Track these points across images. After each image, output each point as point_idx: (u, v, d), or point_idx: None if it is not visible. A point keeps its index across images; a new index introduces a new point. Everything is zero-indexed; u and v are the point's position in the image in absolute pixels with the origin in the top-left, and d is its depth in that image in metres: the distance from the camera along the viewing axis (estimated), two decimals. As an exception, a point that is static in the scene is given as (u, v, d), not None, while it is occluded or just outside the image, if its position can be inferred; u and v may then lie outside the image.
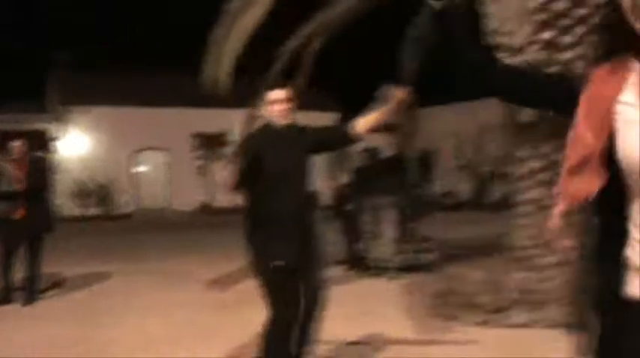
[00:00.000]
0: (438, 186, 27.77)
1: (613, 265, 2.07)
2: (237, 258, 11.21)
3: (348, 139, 4.85)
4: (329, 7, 9.15)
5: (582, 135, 2.04)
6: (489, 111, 19.19)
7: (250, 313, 7.39)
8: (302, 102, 10.49)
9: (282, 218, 4.50)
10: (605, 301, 2.31)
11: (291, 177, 4.60)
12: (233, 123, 28.07)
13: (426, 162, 28.63)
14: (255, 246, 4.55)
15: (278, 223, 4.48)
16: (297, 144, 4.70)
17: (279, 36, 9.01)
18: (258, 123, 4.78)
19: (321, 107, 28.11)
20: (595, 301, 2.44)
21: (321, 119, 28.12)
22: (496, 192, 24.59)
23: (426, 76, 11.42)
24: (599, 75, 2.04)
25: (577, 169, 2.08)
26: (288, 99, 4.73)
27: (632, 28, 1.92)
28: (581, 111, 2.05)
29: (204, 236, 17.80)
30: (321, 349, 5.99)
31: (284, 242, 4.44)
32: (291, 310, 4.54)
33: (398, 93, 4.57)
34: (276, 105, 4.67)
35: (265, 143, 4.62)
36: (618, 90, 1.95)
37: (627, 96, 1.93)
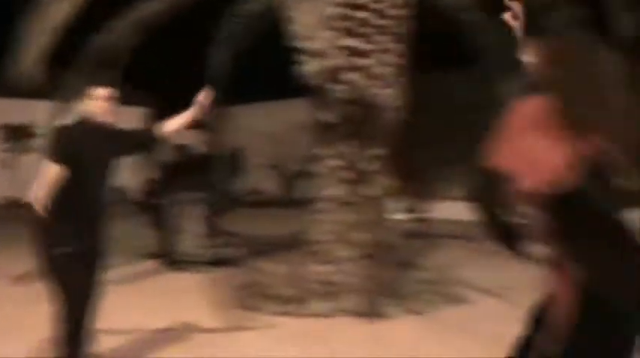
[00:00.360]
0: (247, 183, 28.20)
1: None
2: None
3: (155, 142, 5.05)
4: (142, 4, 9.20)
5: None
6: (298, 110, 19.83)
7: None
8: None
9: (80, 211, 4.57)
10: None
11: (97, 174, 4.69)
12: (40, 114, 27.12)
13: (236, 159, 29.04)
14: (47, 236, 4.55)
15: (74, 215, 4.55)
16: (110, 143, 4.79)
17: (90, 30, 8.97)
18: (72, 117, 4.79)
19: (132, 102, 27.68)
20: None
21: (131, 113, 27.79)
22: (303, 189, 25.30)
23: (236, 76, 11.71)
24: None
25: None
26: (112, 98, 4.80)
27: None
28: None
29: (9, 231, 17.08)
30: (125, 339, 6.10)
31: (73, 230, 4.52)
32: (82, 299, 4.62)
33: (205, 95, 4.85)
34: (100, 102, 4.73)
35: (81, 138, 4.64)
36: None
37: None
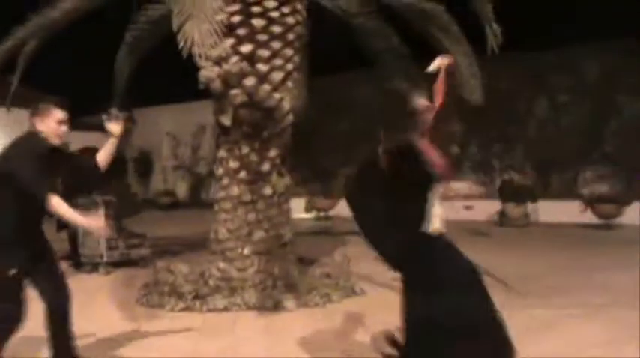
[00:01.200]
0: (156, 185, 28.13)
1: None
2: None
3: (95, 172, 5.27)
4: (46, 10, 9.29)
5: None
6: (204, 112, 19.98)
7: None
8: (20, 100, 10.56)
9: (19, 230, 4.75)
10: None
11: (37, 195, 4.65)
12: None
13: (144, 161, 28.91)
14: None
15: (15, 233, 4.73)
16: (59, 165, 4.97)
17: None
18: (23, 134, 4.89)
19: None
20: None
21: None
22: (211, 191, 25.42)
23: (141, 79, 11.86)
24: None
25: None
26: (68, 121, 4.91)
27: None
28: None
29: None
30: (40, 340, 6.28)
31: (17, 250, 4.73)
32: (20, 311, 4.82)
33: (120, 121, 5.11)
34: (60, 124, 4.85)
35: (33, 156, 4.69)
36: None
37: None
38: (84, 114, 33.49)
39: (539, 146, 18.87)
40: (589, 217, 16.07)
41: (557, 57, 18.64)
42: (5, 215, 4.74)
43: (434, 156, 4.19)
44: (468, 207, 18.39)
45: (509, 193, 17.36)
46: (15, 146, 4.83)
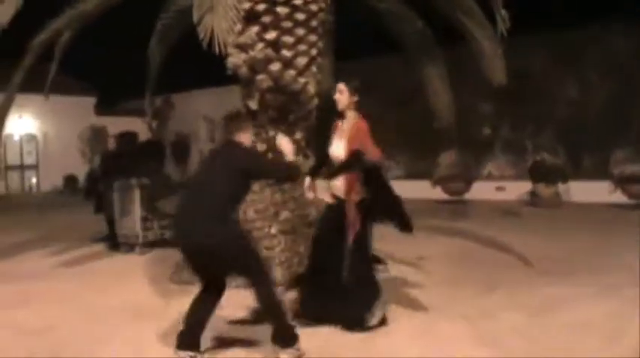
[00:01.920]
0: (194, 167, 28.61)
1: None
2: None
3: None
4: (79, 2, 9.67)
5: None
6: (239, 96, 20.34)
7: None
8: (58, 88, 10.96)
9: None
10: None
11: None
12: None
13: (182, 145, 29.45)
14: None
15: None
16: None
17: (32, 29, 9.43)
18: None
19: (79, 92, 28.01)
20: None
21: (78, 103, 27.99)
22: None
23: (175, 65, 12.24)
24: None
25: None
26: None
27: None
28: None
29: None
30: (80, 318, 6.70)
31: None
32: None
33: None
34: None
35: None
36: None
37: None
38: (120, 100, 34.25)
39: (570, 126, 18.89)
40: (621, 197, 16.14)
41: (590, 36, 18.60)
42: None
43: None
44: (499, 188, 18.54)
45: (541, 173, 17.46)
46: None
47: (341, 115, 6.30)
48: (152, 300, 7.62)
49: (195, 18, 6.41)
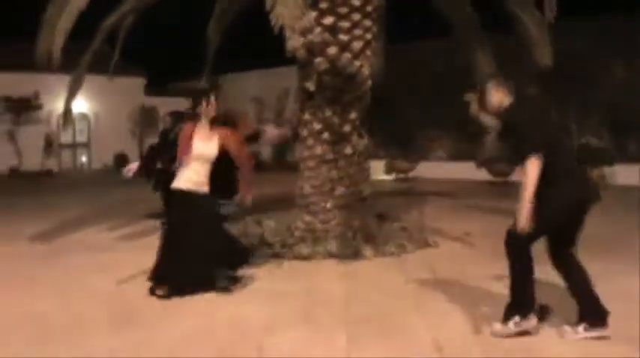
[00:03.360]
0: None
1: None
2: (51, 216, 12.23)
3: None
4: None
5: None
6: (287, 78, 20.75)
7: (69, 259, 8.63)
8: (112, 69, 11.47)
9: None
10: None
11: None
12: (41, 87, 27.97)
13: (230, 125, 29.98)
14: None
15: None
16: None
17: (99, 12, 9.91)
18: None
19: (129, 73, 28.64)
20: None
21: (128, 83, 28.58)
22: (296, 152, 26.22)
23: (229, 46, 12.78)
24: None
25: None
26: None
27: None
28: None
29: (16, 198, 18.15)
30: (143, 287, 7.22)
31: None
32: None
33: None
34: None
35: None
36: None
37: None
38: (169, 81, 34.86)
39: (616, 110, 18.96)
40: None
41: (636, 20, 18.62)
42: None
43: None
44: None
45: (586, 156, 17.61)
46: None
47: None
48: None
49: (267, 6, 6.87)
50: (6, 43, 27.32)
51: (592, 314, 5.14)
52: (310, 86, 9.12)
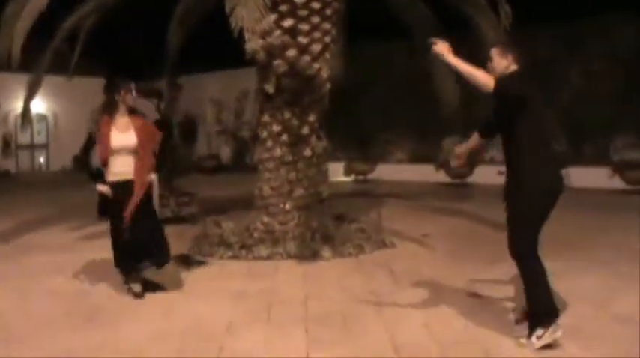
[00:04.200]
0: (201, 149, 29.10)
1: None
2: (8, 216, 12.12)
3: None
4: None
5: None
6: (246, 79, 20.75)
7: (29, 260, 8.57)
8: (72, 69, 11.40)
9: None
10: None
11: None
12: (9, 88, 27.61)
13: (189, 126, 29.87)
14: None
15: None
16: None
17: (59, 12, 9.87)
18: None
19: (89, 73, 28.36)
20: None
21: (88, 84, 28.26)
22: (254, 154, 26.22)
23: (189, 47, 12.77)
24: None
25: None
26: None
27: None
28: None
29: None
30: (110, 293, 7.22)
31: None
32: None
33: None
34: None
35: None
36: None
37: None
38: (130, 81, 34.66)
39: (572, 113, 19.25)
40: (619, 183, 16.58)
41: (592, 24, 18.93)
42: None
43: None
44: (501, 172, 18.93)
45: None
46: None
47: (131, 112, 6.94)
48: (172, 269, 8.11)
49: (227, 9, 6.91)
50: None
51: (543, 314, 5.03)
52: (269, 88, 9.18)
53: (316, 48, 9.21)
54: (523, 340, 5.05)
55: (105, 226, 11.54)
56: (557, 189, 5.27)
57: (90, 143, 6.94)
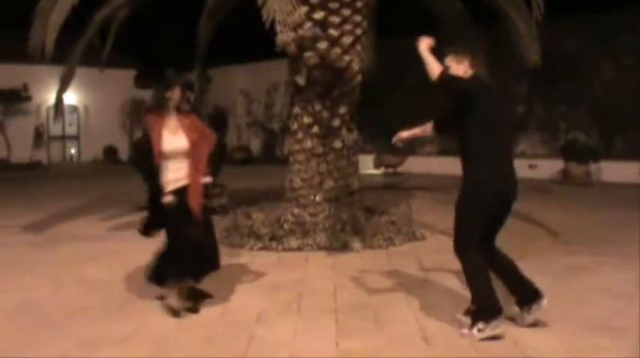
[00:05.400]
0: (231, 141, 29.20)
1: None
2: (41, 207, 12.28)
3: None
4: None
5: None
6: (277, 71, 20.82)
7: (63, 249, 8.62)
8: (104, 61, 11.52)
9: None
10: None
11: None
12: (30, 78, 27.92)
13: (219, 118, 30.01)
14: None
15: None
16: None
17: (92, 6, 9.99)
18: None
19: (120, 65, 28.56)
20: None
21: (118, 75, 28.45)
22: (284, 146, 26.25)
23: (219, 40, 12.85)
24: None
25: None
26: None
27: None
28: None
29: (6, 189, 18.17)
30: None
31: None
32: None
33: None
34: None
35: None
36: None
37: None
38: (160, 73, 34.87)
39: (603, 107, 19.09)
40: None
41: (623, 18, 18.73)
42: None
43: None
44: (532, 166, 18.88)
45: (572, 152, 17.78)
46: None
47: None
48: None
49: (259, 1, 6.96)
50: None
51: (485, 308, 5.10)
52: (300, 80, 9.22)
53: (347, 40, 9.22)
54: (465, 330, 5.14)
55: (135, 216, 11.80)
56: (503, 192, 5.29)
57: (147, 143, 5.90)
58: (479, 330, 5.01)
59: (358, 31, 9.37)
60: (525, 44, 10.17)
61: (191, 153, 5.93)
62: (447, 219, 10.67)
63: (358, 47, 9.40)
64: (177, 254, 5.90)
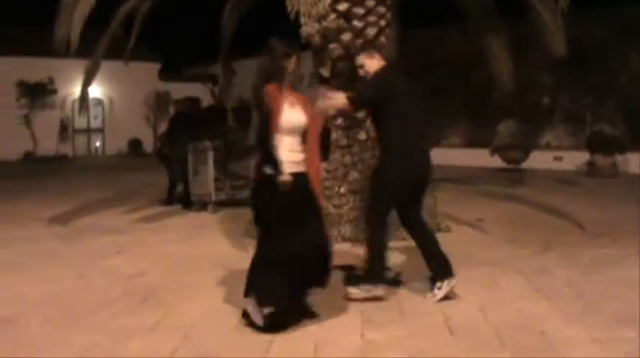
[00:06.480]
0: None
1: None
2: (66, 199, 12.39)
3: None
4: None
5: None
6: (301, 63, 20.78)
7: (88, 241, 8.71)
8: (128, 54, 11.57)
9: None
10: None
11: None
12: (55, 72, 28.11)
13: (244, 111, 30.01)
14: None
15: None
16: None
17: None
18: None
19: (144, 58, 28.70)
20: None
21: (142, 68, 28.60)
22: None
23: (243, 32, 12.85)
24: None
25: None
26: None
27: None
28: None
29: (32, 182, 18.34)
30: (162, 265, 7.37)
31: None
32: None
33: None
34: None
35: None
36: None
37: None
38: (184, 66, 34.98)
39: (630, 98, 18.92)
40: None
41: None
42: None
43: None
44: (557, 157, 18.76)
45: (598, 144, 17.63)
46: None
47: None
48: (230, 251, 8.26)
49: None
50: (20, 29, 27.51)
51: (441, 269, 5.86)
52: (325, 72, 9.19)
53: (371, 32, 9.17)
54: (352, 288, 5.92)
55: (159, 209, 11.93)
56: (412, 179, 6.00)
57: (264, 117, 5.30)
58: (357, 292, 5.80)
59: (382, 23, 9.31)
60: (551, 35, 10.09)
61: (307, 132, 5.31)
62: (471, 210, 10.76)
63: (382, 38, 9.35)
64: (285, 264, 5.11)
